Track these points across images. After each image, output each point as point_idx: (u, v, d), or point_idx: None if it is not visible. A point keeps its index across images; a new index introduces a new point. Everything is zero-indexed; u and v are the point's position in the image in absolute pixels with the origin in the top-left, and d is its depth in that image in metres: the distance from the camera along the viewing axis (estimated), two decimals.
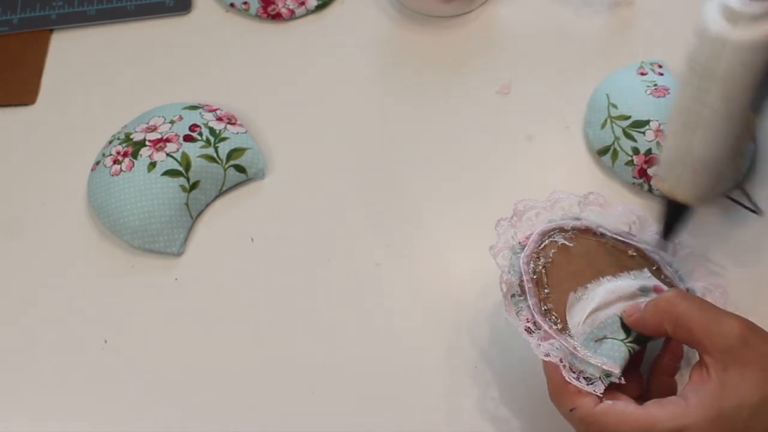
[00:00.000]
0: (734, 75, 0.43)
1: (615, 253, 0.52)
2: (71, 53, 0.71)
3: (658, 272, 0.52)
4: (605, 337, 0.48)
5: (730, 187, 0.50)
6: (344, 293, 0.58)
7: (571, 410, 0.45)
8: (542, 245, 0.51)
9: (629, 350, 0.48)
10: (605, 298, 0.49)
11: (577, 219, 0.52)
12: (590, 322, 0.48)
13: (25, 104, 0.68)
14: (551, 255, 0.51)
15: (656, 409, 0.42)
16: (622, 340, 0.48)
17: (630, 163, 0.59)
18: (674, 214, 0.51)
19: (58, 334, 0.58)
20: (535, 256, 0.50)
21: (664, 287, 0.50)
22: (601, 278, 0.50)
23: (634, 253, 0.52)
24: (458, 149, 0.63)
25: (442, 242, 0.59)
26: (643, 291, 0.50)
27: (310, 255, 0.59)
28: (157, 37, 0.71)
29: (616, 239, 0.52)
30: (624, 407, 0.43)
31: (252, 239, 0.60)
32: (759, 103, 0.46)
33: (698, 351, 0.44)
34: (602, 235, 0.52)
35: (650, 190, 0.59)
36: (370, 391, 0.54)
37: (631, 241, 0.53)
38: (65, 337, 0.57)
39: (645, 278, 0.51)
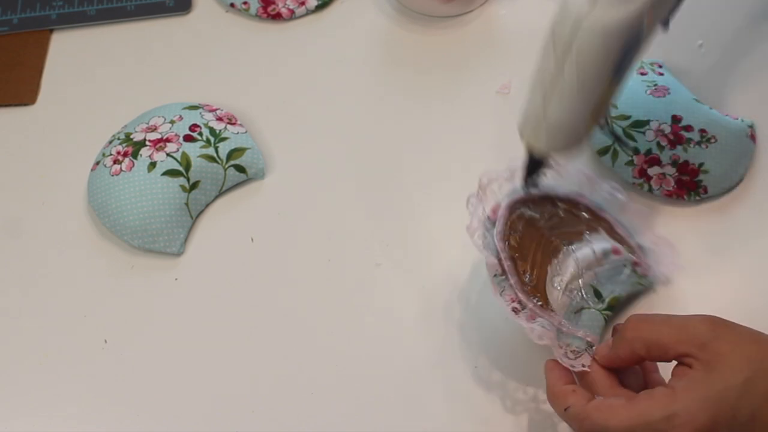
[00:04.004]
0: (589, 54, 0.43)
1: (572, 218, 0.54)
2: (71, 53, 0.71)
3: (611, 231, 0.54)
4: (582, 308, 0.51)
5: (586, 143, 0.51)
6: (344, 293, 0.58)
7: (565, 409, 0.45)
8: (510, 219, 0.53)
9: (604, 318, 0.51)
10: (575, 269, 0.51)
11: (536, 187, 0.54)
12: (567, 294, 0.51)
13: (25, 104, 0.68)
14: (520, 228, 0.52)
15: (645, 400, 0.43)
16: (598, 309, 0.51)
17: (630, 163, 0.59)
18: (533, 165, 0.52)
19: (58, 334, 0.58)
20: (507, 232, 0.52)
21: (621, 248, 0.53)
22: (567, 246, 0.52)
23: (588, 215, 0.54)
24: (458, 149, 0.63)
25: (442, 242, 0.59)
26: (605, 254, 0.52)
27: (310, 255, 0.59)
28: (157, 37, 0.71)
29: (570, 202, 0.55)
30: (614, 401, 0.44)
31: (252, 239, 0.60)
32: (616, 80, 0.46)
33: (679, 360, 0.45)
34: (559, 199, 0.54)
35: (650, 190, 0.59)
36: (369, 391, 0.54)
37: (583, 201, 0.55)
38: (65, 337, 0.57)
39: (603, 241, 0.53)
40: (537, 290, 0.51)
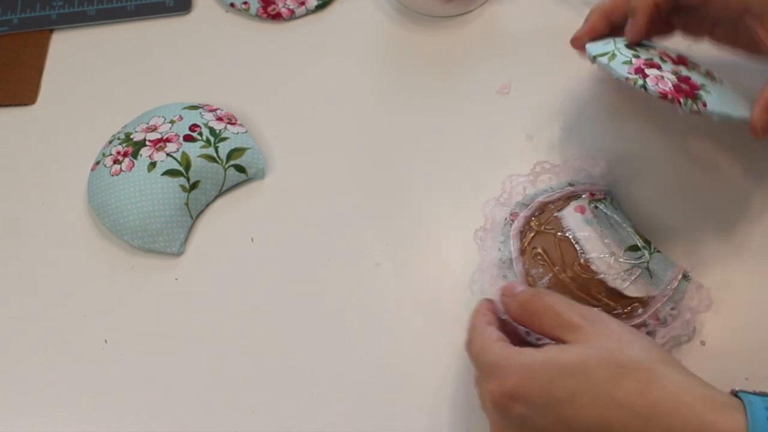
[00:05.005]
0: None
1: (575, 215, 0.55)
2: (71, 53, 0.71)
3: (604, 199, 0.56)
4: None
5: None
6: (344, 293, 0.58)
7: (472, 324, 0.49)
8: (525, 235, 0.54)
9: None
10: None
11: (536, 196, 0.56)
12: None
13: (25, 104, 0.68)
14: (535, 243, 0.54)
15: (500, 346, 0.46)
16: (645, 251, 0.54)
17: (628, 62, 0.54)
18: None
19: (58, 334, 0.58)
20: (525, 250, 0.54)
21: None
22: (587, 254, 0.53)
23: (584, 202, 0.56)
24: (458, 149, 0.63)
25: (443, 242, 0.59)
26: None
27: (310, 255, 0.59)
28: (157, 37, 0.71)
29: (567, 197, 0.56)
30: (489, 332, 0.47)
31: (252, 239, 0.60)
32: None
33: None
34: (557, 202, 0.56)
35: (644, 87, 0.52)
36: (369, 392, 0.54)
37: (581, 189, 0.56)
38: (65, 337, 0.57)
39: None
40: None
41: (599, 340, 0.44)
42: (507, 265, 0.53)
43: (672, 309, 0.52)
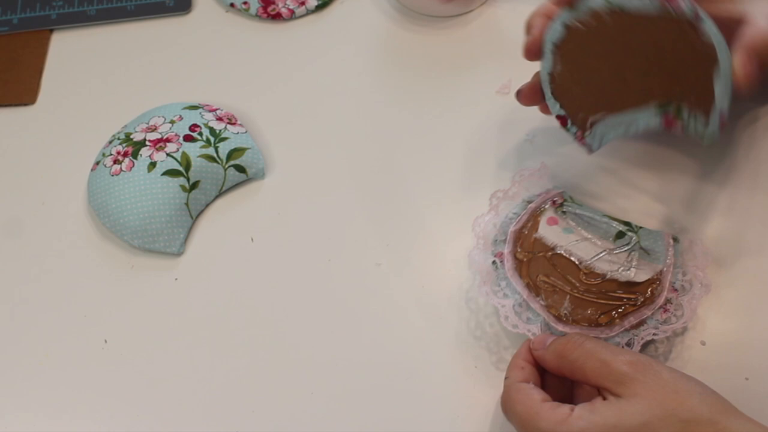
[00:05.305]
0: None
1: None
2: (71, 53, 0.71)
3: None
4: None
5: None
6: (344, 293, 0.58)
7: (505, 378, 0.48)
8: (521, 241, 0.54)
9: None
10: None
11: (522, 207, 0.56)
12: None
13: (25, 104, 0.68)
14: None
15: (549, 408, 0.44)
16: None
17: None
18: None
19: (58, 334, 0.58)
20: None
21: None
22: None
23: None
24: (458, 149, 0.63)
25: (443, 242, 0.59)
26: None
27: (310, 255, 0.59)
28: (157, 37, 0.71)
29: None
30: (532, 393, 0.46)
31: (252, 239, 0.60)
32: None
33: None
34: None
35: None
36: (369, 391, 0.54)
37: (540, 201, 0.56)
38: (65, 337, 0.57)
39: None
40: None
41: (656, 394, 0.43)
42: (525, 308, 0.52)
43: (684, 275, 0.52)
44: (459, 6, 0.69)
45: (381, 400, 0.54)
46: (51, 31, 0.72)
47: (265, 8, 0.71)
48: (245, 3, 0.71)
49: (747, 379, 0.52)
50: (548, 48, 0.52)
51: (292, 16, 0.71)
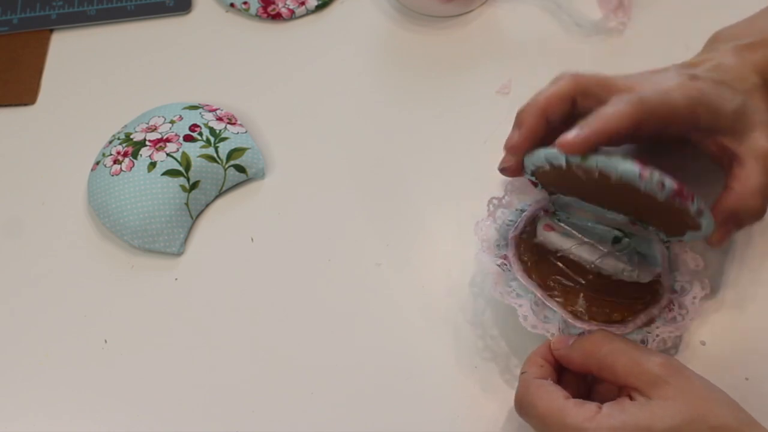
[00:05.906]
0: None
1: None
2: (71, 53, 0.71)
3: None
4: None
5: None
6: (344, 293, 0.58)
7: (522, 372, 0.48)
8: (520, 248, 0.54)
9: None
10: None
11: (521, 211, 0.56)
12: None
13: (25, 104, 0.68)
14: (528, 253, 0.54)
15: (574, 405, 0.44)
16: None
17: None
18: None
19: (58, 334, 0.58)
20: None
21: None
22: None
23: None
24: (458, 149, 0.63)
25: (443, 242, 0.59)
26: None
27: (310, 255, 0.59)
28: (157, 37, 0.71)
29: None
30: (554, 389, 0.45)
31: (252, 239, 0.60)
32: None
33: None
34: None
35: None
36: (369, 391, 0.54)
37: (533, 210, 0.55)
38: (65, 337, 0.57)
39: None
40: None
41: (687, 399, 0.42)
42: (541, 306, 0.51)
43: (681, 277, 0.52)
44: (459, 6, 0.69)
45: (381, 399, 0.54)
46: (51, 31, 0.72)
47: (265, 8, 0.71)
48: (245, 3, 0.71)
49: (747, 379, 0.52)
50: (528, 171, 0.53)
51: (292, 16, 0.71)
